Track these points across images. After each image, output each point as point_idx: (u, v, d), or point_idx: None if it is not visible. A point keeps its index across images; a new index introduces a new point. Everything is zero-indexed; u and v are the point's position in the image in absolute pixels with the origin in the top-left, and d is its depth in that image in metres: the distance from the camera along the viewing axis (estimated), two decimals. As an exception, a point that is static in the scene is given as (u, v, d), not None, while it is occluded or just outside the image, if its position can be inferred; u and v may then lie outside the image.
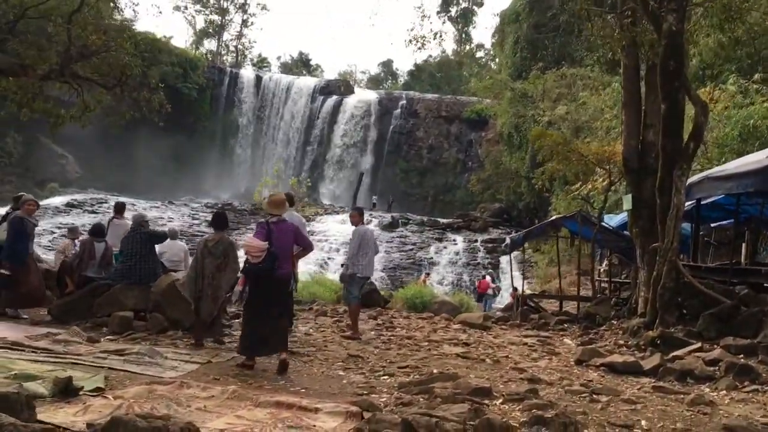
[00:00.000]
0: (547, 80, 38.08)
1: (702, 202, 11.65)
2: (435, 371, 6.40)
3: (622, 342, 9.16)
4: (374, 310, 12.80)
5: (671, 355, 7.88)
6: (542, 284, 31.35)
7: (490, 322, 11.27)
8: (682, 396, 5.88)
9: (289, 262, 6.74)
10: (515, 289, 25.62)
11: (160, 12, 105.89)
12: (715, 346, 8.15)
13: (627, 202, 10.78)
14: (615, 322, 10.66)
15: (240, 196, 58.97)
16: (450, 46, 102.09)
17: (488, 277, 26.95)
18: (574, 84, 38.82)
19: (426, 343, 8.10)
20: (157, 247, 11.05)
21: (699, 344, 8.09)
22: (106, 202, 44.96)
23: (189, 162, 61.21)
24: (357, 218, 10.26)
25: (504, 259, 39.22)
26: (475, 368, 6.89)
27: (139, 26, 64.37)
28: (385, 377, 6.14)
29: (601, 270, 19.67)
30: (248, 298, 6.47)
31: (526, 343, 8.83)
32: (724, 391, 6.29)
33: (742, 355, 7.68)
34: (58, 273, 10.02)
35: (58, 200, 44.31)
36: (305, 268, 36.78)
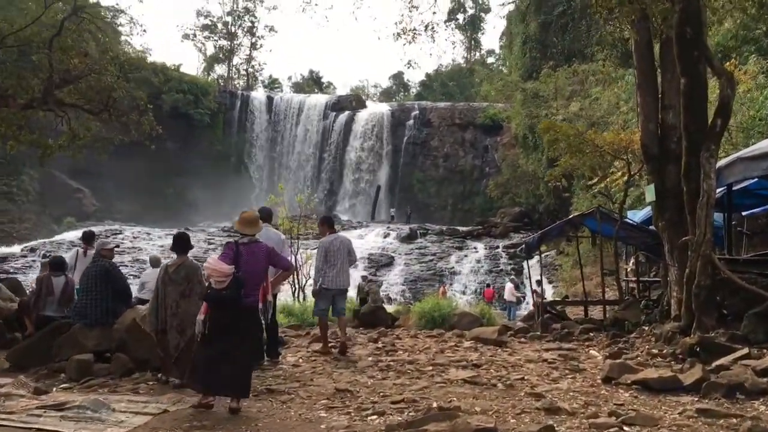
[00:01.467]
0: (559, 78, 36.98)
1: (734, 188, 10.52)
2: (434, 405, 5.38)
3: (655, 351, 8.04)
4: (377, 330, 11.75)
5: (714, 364, 6.77)
6: (568, 287, 30.09)
7: (507, 335, 10.13)
8: (735, 420, 4.81)
9: (258, 289, 5.78)
10: (535, 295, 24.59)
11: (144, 31, 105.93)
12: (765, 351, 7.03)
13: (650, 193, 9.67)
14: (646, 328, 9.52)
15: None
16: (460, 53, 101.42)
17: (510, 284, 25.70)
18: (586, 80, 37.72)
19: (430, 368, 7.08)
20: (141, 277, 10.21)
21: (746, 350, 6.97)
22: (121, 233, 44.60)
23: (205, 188, 60.83)
24: (323, 228, 9.38)
25: (526, 264, 38.14)
26: (483, 397, 5.85)
27: (153, 57, 64.65)
28: (374, 417, 5.14)
29: (628, 269, 18.50)
30: (208, 327, 5.52)
31: (545, 360, 7.75)
32: (784, 408, 5.21)
33: (798, 361, 6.57)
34: (17, 314, 9.15)
35: (73, 234, 43.88)
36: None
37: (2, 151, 52.02)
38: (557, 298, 29.20)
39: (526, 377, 6.72)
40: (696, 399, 5.76)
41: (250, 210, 6.21)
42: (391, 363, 7.34)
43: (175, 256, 7.15)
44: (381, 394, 5.94)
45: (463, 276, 36.40)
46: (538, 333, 10.92)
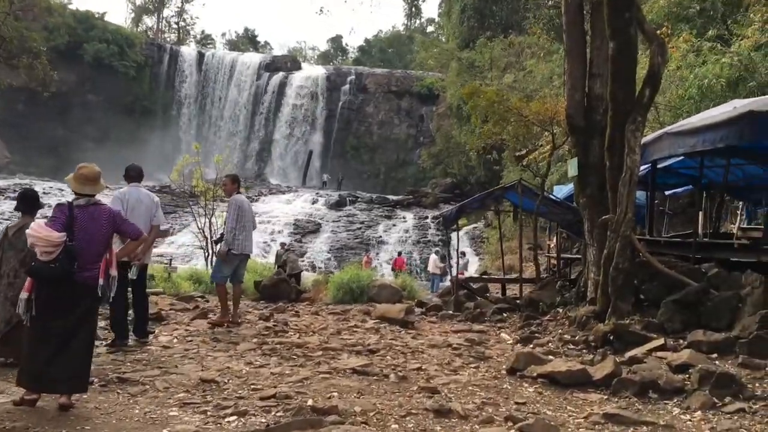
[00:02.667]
0: (494, 49, 36.47)
1: (658, 166, 10.06)
2: (309, 403, 4.58)
3: (568, 337, 7.48)
4: (276, 305, 10.79)
5: (627, 355, 6.24)
6: (493, 261, 29.92)
7: (417, 314, 9.39)
8: (645, 429, 4.21)
9: (99, 261, 4.77)
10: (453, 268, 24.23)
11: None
12: (681, 341, 6.55)
13: (572, 168, 9.08)
14: (561, 310, 9.00)
15: (184, 178, 56.17)
16: (400, 20, 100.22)
17: (435, 256, 25.24)
18: (522, 52, 37.34)
19: (319, 353, 6.27)
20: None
21: (661, 340, 6.47)
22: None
23: (129, 144, 58.17)
24: (230, 186, 8.48)
25: (455, 235, 37.92)
26: (370, 391, 5.10)
27: (77, 3, 60.88)
28: (232, 418, 4.30)
29: (551, 245, 18.22)
30: (36, 309, 4.54)
31: (450, 345, 7.06)
32: (700, 413, 4.66)
33: (715, 354, 6.08)
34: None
35: (-27, 186, 41.11)
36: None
37: None
38: (478, 273, 29.22)
39: (423, 366, 6.00)
40: (605, 398, 5.17)
41: (89, 164, 5.16)
42: (277, 346, 6.50)
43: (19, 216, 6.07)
44: (252, 386, 5.10)
45: (390, 245, 35.87)
46: (450, 312, 10.29)
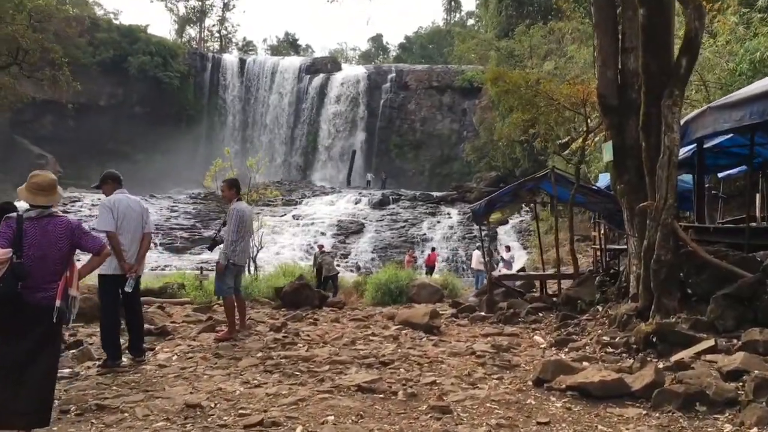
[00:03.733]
0: (534, 36, 35.34)
1: (705, 146, 9.15)
2: (297, 430, 4.03)
3: (607, 339, 6.74)
4: (293, 313, 10.22)
5: (672, 360, 5.50)
6: (540, 255, 28.92)
7: (440, 319, 8.64)
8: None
9: (57, 281, 4.29)
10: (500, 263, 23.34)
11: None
12: (735, 341, 5.75)
13: (607, 152, 8.28)
14: (600, 308, 8.23)
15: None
16: (440, 15, 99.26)
17: (478, 252, 24.38)
18: (562, 38, 36.15)
19: (326, 368, 5.71)
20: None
21: (711, 341, 5.70)
22: (79, 201, 42.80)
23: (176, 153, 58.95)
24: (228, 192, 7.90)
25: (501, 229, 36.95)
26: (371, 414, 4.50)
27: (123, 18, 62.02)
28: (206, 450, 3.77)
29: (596, 236, 17.26)
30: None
31: (474, 352, 6.42)
32: (756, 430, 3.92)
33: (775, 357, 5.28)
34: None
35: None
36: (291, 254, 34.80)
37: (-39, 117, 50.54)
38: (525, 268, 28.20)
39: (439, 380, 5.37)
40: (644, 413, 4.47)
41: (42, 172, 4.68)
42: (282, 360, 5.97)
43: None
44: (240, 410, 4.56)
45: (434, 243, 35.18)
46: (482, 313, 9.60)
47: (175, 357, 6.18)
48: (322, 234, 36.62)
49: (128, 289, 6.42)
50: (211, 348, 6.59)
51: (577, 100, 10.61)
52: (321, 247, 20.47)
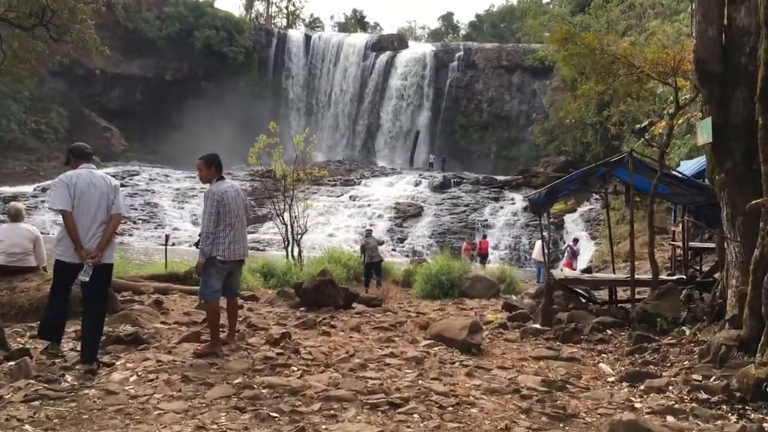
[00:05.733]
0: (612, 11, 32.81)
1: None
2: None
3: (698, 378, 5.08)
4: (320, 312, 8.82)
5: (799, 426, 3.82)
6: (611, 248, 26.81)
7: (483, 334, 6.99)
8: None
9: None
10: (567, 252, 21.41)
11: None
12: None
13: (704, 132, 6.51)
14: (687, 331, 6.53)
15: (293, 161, 55.46)
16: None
17: (540, 242, 22.60)
18: (643, 14, 33.55)
19: (317, 406, 4.28)
20: (-5, 235, 7.67)
21: None
22: (137, 174, 42.79)
23: (241, 129, 58.73)
24: (205, 171, 6.40)
25: (568, 218, 34.76)
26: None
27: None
28: None
29: (677, 232, 15.26)
30: None
31: (519, 389, 4.88)
32: None
33: None
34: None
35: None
36: (344, 236, 33.62)
37: (33, 88, 51.39)
38: (592, 261, 26.16)
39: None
40: None
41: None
42: (264, 391, 4.55)
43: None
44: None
45: (496, 229, 33.49)
46: (537, 326, 7.96)
47: (134, 378, 4.86)
48: (379, 216, 35.34)
49: (83, 278, 5.36)
50: (184, 366, 5.23)
51: (665, 68, 8.71)
52: (369, 231, 19.10)
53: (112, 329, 6.42)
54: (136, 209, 35.47)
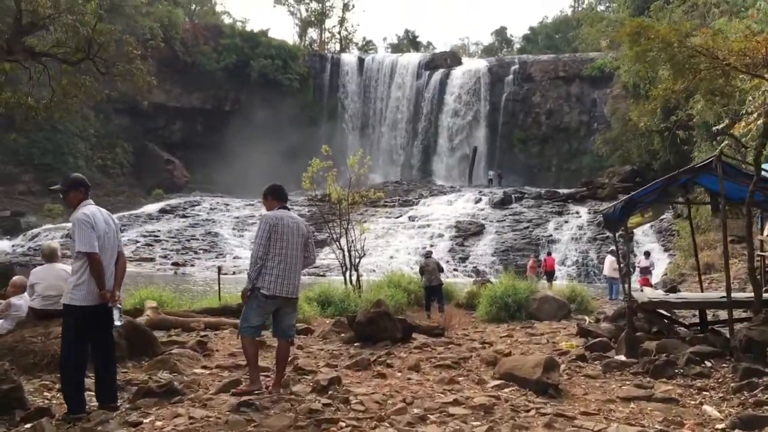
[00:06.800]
0: (674, 12, 31.39)
1: None
2: None
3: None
4: (375, 348, 8.05)
5: None
6: (686, 258, 25.30)
7: (558, 373, 5.78)
8: None
9: None
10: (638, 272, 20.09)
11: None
12: None
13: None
14: (808, 363, 5.54)
15: (350, 185, 54.99)
16: (568, 3, 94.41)
17: (611, 257, 21.43)
18: (708, 12, 31.96)
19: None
20: (30, 277, 7.30)
21: None
22: (199, 204, 43.26)
23: (300, 155, 59.01)
24: (265, 202, 5.96)
25: (639, 230, 33.08)
26: None
27: (249, 26, 63.16)
28: None
29: (763, 238, 13.95)
30: None
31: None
32: None
33: None
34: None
35: (153, 207, 43.04)
36: (405, 258, 32.89)
37: (99, 126, 53.06)
38: (667, 276, 24.61)
39: None
40: None
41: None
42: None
43: None
44: None
45: (562, 245, 32.21)
46: (621, 358, 7.02)
47: (185, 423, 4.27)
48: (439, 236, 34.54)
49: (119, 322, 5.13)
50: (219, 424, 4.57)
51: (756, 59, 7.66)
52: (429, 252, 18.34)
53: (148, 377, 5.88)
54: (197, 239, 35.74)
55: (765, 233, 14.05)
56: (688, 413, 4.98)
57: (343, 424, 4.52)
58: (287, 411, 4.86)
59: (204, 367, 6.69)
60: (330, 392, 5.38)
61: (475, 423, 4.65)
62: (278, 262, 5.58)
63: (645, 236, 32.10)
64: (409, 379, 6.23)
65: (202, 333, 9.22)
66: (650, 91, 31.77)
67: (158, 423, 4.60)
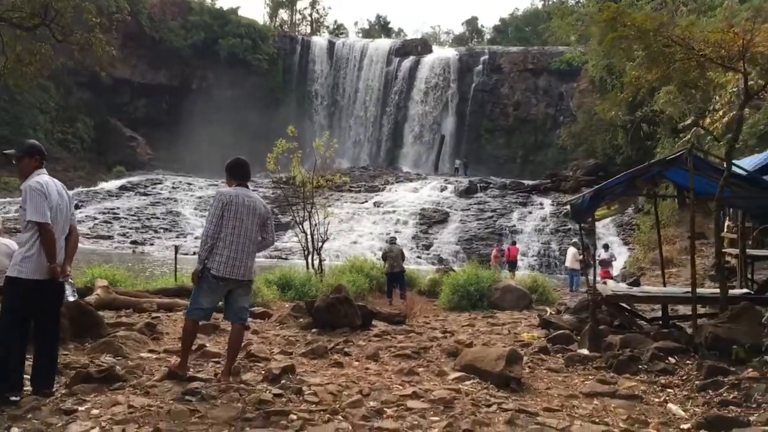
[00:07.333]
0: (643, 8, 31.53)
1: None
2: None
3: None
4: (333, 335, 7.83)
5: None
6: (646, 253, 25.60)
7: (521, 366, 5.63)
8: None
9: None
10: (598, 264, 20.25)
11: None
12: None
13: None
14: (771, 360, 5.45)
15: (318, 169, 54.27)
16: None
17: (573, 249, 21.55)
18: (677, 11, 32.18)
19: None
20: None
21: None
22: (161, 183, 42.34)
23: (266, 137, 58.20)
24: (230, 181, 5.64)
25: (600, 224, 33.34)
26: None
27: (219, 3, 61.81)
28: None
29: (723, 236, 14.05)
30: None
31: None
32: None
33: None
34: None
35: (113, 184, 42.00)
36: (369, 244, 32.65)
37: (59, 98, 51.45)
38: (627, 268, 24.83)
39: None
40: None
41: None
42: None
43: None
44: None
45: (524, 235, 32.32)
46: (584, 352, 6.89)
47: (96, 431, 3.95)
48: (404, 223, 34.39)
49: (72, 297, 4.91)
50: (160, 414, 4.26)
51: (730, 51, 7.52)
52: (393, 239, 18.14)
53: (89, 360, 5.53)
54: (158, 218, 34.97)
55: (724, 230, 14.18)
56: (653, 411, 4.85)
57: (294, 417, 4.25)
58: (235, 401, 4.58)
59: (151, 351, 6.35)
60: (282, 381, 5.11)
61: (434, 418, 4.43)
62: (230, 243, 5.29)
63: (606, 230, 32.39)
64: (366, 368, 5.99)
65: (154, 314, 8.86)
66: (619, 85, 31.95)
67: (94, 411, 4.28)
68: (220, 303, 5.65)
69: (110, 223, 33.42)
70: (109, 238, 30.92)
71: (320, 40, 68.24)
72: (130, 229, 32.90)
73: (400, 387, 5.28)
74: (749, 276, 10.09)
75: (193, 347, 5.79)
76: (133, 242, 30.68)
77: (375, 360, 6.40)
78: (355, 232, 32.85)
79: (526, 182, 42.21)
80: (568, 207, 8.74)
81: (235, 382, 5.09)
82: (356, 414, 4.40)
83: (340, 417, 4.36)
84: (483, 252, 29.36)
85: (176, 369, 5.12)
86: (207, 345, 6.60)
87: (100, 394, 4.69)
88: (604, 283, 10.31)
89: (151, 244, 30.80)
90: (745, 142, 13.02)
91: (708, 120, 12.71)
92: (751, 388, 5.01)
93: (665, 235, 26.66)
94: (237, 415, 4.25)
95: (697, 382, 5.42)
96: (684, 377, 5.71)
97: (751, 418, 4.46)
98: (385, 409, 4.55)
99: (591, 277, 8.60)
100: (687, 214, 25.35)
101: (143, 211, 35.71)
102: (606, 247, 22.37)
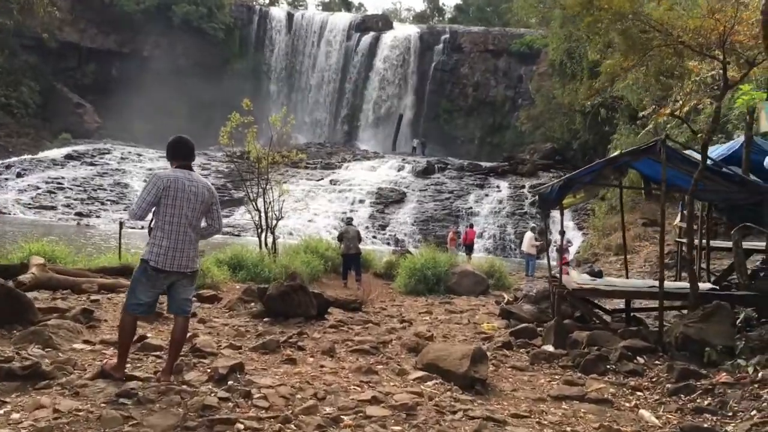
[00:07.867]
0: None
1: None
2: None
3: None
4: (287, 326, 7.44)
5: None
6: (599, 238, 25.71)
7: (486, 366, 5.33)
8: None
9: None
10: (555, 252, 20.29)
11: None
12: None
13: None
14: (750, 367, 5.24)
15: (274, 143, 53.08)
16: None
17: (530, 233, 21.53)
18: (653, -1, 32.21)
19: None
20: None
21: None
22: (109, 153, 40.88)
23: (219, 107, 56.73)
24: (168, 158, 5.06)
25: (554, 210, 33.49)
26: None
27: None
28: None
29: (675, 224, 14.08)
30: None
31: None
32: None
33: None
34: None
35: (58, 152, 40.32)
36: (324, 222, 32.16)
37: (2, 61, 49.05)
38: (581, 253, 24.95)
39: None
40: None
41: None
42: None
43: None
44: None
45: (481, 218, 32.26)
46: (549, 349, 6.62)
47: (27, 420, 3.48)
48: (360, 201, 33.96)
49: None
50: (89, 420, 3.79)
51: (710, 39, 7.27)
52: (350, 219, 17.70)
53: (14, 353, 4.97)
54: (105, 189, 33.71)
55: (677, 219, 14.18)
56: (624, 417, 4.59)
57: (241, 426, 3.81)
58: (175, 406, 4.10)
59: (86, 342, 5.79)
60: (230, 383, 4.64)
61: (395, 428, 4.06)
62: (169, 232, 4.74)
63: (559, 214, 32.57)
64: (322, 366, 5.56)
65: (93, 297, 8.25)
66: (580, 70, 31.81)
67: (15, 416, 3.77)
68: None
69: (54, 193, 32.04)
70: (53, 208, 29.64)
71: (279, 12, 66.77)
72: (75, 200, 31.61)
73: (359, 389, 4.87)
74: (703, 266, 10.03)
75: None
76: (78, 214, 29.48)
77: (331, 356, 5.97)
78: (310, 211, 32.29)
79: (484, 164, 42.16)
80: (536, 196, 8.46)
81: (177, 383, 4.59)
82: (310, 422, 3.97)
83: (292, 426, 3.93)
84: (439, 233, 29.22)
85: (111, 370, 4.60)
86: (148, 336, 6.06)
87: (23, 394, 4.16)
88: (567, 273, 10.08)
89: (97, 217, 29.68)
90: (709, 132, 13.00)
91: (668, 110, 12.59)
92: (726, 394, 4.79)
93: (619, 221, 26.88)
94: (177, 423, 3.78)
95: (668, 386, 5.20)
96: (654, 379, 5.48)
97: (728, 429, 4.24)
98: (342, 416, 4.14)
99: (551, 267, 8.36)
100: (642, 201, 25.60)
101: (89, 182, 34.36)
102: (562, 232, 22.38)
